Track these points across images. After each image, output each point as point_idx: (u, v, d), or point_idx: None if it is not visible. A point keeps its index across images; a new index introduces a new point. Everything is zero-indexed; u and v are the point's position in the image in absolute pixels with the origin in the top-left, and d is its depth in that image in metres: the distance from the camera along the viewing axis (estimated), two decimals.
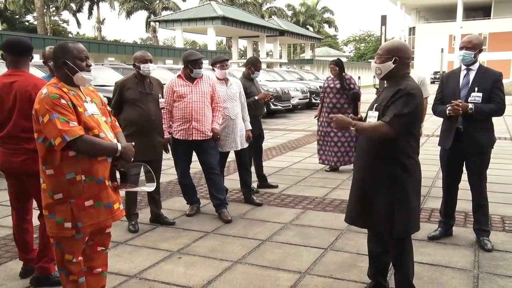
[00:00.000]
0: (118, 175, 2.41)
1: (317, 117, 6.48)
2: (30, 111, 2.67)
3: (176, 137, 4.20)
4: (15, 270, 3.17)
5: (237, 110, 4.65)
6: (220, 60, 4.56)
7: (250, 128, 4.86)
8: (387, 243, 2.64)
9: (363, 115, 2.73)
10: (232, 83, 4.68)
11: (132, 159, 2.42)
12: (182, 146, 4.24)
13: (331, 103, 6.17)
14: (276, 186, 5.51)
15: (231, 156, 4.94)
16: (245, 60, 7.74)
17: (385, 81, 2.63)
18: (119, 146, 2.33)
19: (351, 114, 2.67)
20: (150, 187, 2.58)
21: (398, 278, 2.63)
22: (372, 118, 2.53)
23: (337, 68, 6.15)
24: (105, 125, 2.39)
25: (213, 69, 4.60)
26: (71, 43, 2.35)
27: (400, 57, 2.50)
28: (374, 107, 2.56)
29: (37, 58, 9.10)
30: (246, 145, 4.80)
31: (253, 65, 5.14)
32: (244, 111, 4.81)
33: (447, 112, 3.43)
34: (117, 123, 2.61)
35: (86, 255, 2.43)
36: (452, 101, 3.38)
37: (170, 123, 4.24)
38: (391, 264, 2.73)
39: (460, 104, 3.33)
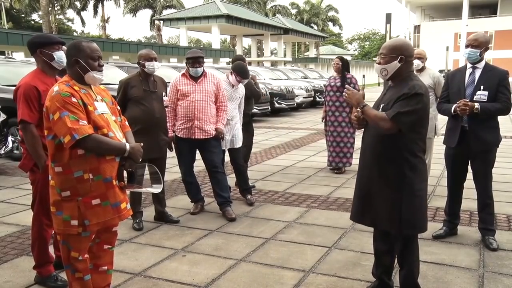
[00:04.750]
0: (125, 174, 2.42)
1: (323, 119, 6.30)
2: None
3: (179, 135, 4.21)
4: (21, 266, 3.19)
5: (234, 112, 4.67)
6: (243, 72, 4.52)
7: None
8: (393, 241, 2.64)
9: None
10: (239, 88, 4.69)
11: (140, 160, 2.43)
12: (185, 144, 4.24)
13: (330, 101, 6.14)
14: (253, 186, 5.27)
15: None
16: (249, 59, 7.73)
17: (390, 81, 2.61)
18: (127, 146, 2.34)
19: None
20: (157, 189, 2.58)
21: (403, 275, 2.63)
22: None
23: (341, 64, 6.08)
24: (115, 124, 2.40)
25: (231, 73, 4.59)
26: (85, 42, 2.34)
27: (405, 55, 2.48)
28: (381, 107, 2.53)
29: None
30: (239, 144, 4.77)
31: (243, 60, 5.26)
32: (241, 114, 4.83)
33: (453, 110, 3.41)
34: (127, 122, 2.62)
35: (93, 253, 2.45)
36: (459, 101, 3.36)
37: (174, 121, 4.25)
38: (395, 263, 2.73)
39: (468, 104, 3.31)
